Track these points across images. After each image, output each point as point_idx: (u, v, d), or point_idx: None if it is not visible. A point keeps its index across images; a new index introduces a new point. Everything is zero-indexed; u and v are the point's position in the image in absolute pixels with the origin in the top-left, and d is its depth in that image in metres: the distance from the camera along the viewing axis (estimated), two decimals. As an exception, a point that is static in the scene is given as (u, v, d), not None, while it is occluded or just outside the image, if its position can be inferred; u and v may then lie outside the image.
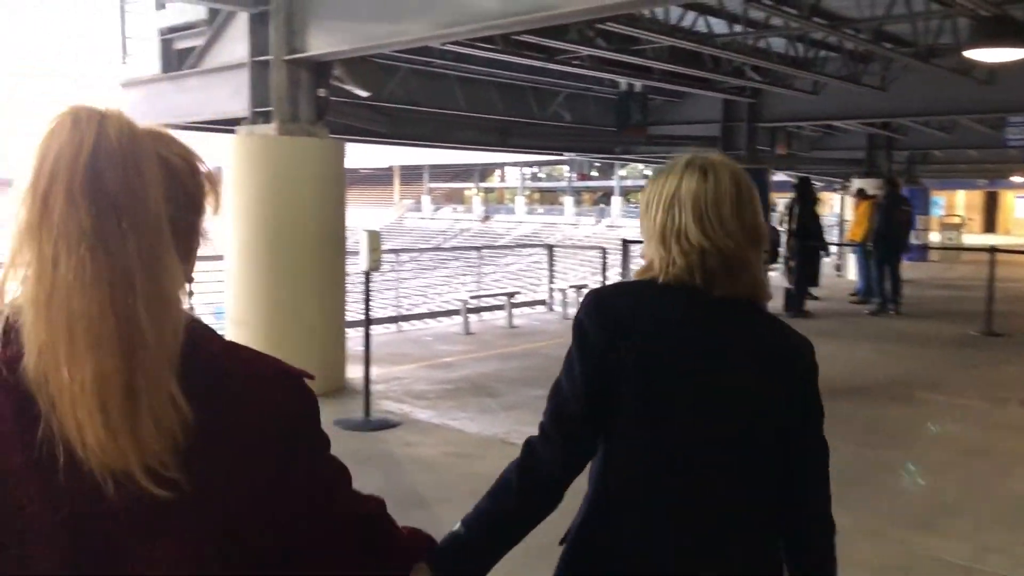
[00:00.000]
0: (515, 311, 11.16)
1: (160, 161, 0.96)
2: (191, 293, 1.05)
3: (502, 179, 59.61)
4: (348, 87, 7.94)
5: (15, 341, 0.90)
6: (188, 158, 1.03)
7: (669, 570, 1.42)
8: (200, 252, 1.09)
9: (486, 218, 47.65)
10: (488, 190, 58.45)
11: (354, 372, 7.18)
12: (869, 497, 4.69)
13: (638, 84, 11.00)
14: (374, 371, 6.61)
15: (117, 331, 0.88)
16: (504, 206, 55.20)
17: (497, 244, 34.53)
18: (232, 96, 7.57)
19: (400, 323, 10.48)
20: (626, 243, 12.66)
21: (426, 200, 53.36)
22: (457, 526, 1.45)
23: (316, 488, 1.08)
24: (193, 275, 1.06)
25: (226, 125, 8.49)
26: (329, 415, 2.70)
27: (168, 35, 8.22)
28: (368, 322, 6.46)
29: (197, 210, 1.04)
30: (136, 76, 8.80)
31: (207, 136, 8.77)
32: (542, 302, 12.60)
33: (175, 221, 0.96)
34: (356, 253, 6.36)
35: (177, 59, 8.25)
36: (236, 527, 0.97)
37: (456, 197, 58.73)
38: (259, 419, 1.00)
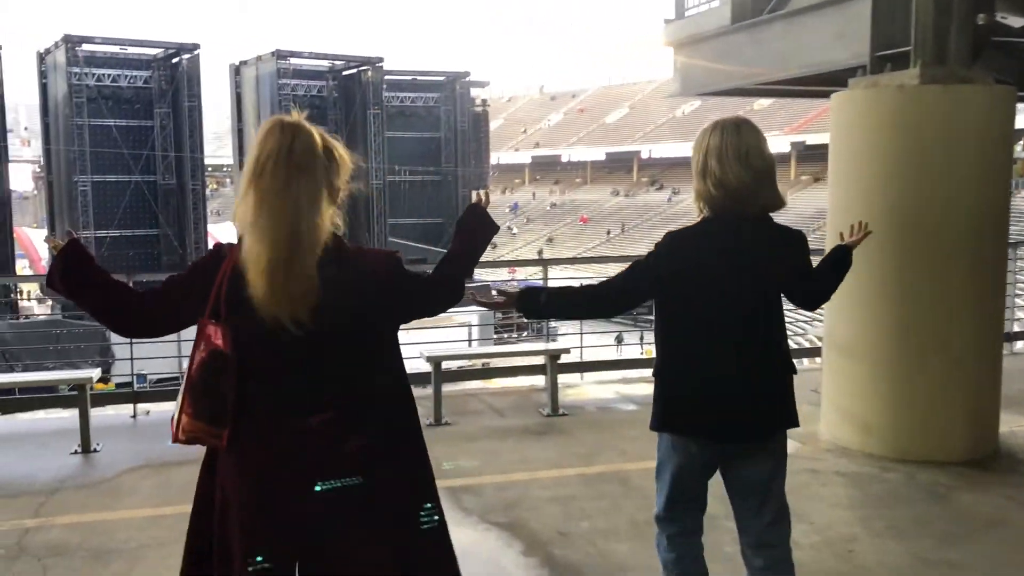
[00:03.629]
0: None
1: (322, 145, 1.98)
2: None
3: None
4: (998, 14, 5.58)
5: (239, 243, 1.96)
6: (329, 142, 2.01)
7: (725, 385, 2.45)
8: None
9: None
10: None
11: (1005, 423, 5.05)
12: None
13: None
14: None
15: (289, 239, 1.89)
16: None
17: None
18: (834, 40, 5.65)
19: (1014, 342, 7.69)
20: None
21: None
22: (546, 292, 2.61)
23: (419, 284, 2.18)
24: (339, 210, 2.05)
25: (804, 84, 6.65)
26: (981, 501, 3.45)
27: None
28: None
29: (337, 173, 2.02)
30: (694, 32, 7.35)
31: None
32: None
33: (328, 180, 1.99)
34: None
35: (751, 6, 6.58)
36: (358, 329, 2.02)
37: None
38: (372, 271, 2.03)
